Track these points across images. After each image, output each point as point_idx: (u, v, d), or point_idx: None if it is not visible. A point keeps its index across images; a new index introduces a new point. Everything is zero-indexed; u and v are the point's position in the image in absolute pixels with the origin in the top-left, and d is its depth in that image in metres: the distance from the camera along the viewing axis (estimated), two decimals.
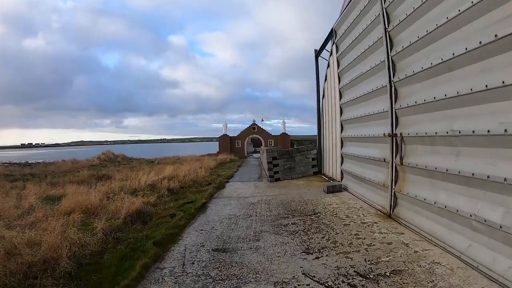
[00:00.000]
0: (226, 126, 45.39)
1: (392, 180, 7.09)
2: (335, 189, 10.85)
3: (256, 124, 45.79)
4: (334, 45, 12.29)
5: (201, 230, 7.00)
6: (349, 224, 6.95)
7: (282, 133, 45.40)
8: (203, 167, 20.80)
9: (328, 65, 14.22)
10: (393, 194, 7.10)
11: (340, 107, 11.79)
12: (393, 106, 6.98)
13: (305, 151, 15.41)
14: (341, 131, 11.74)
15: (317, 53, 16.20)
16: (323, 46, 15.24)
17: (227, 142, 44.51)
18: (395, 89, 6.94)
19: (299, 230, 6.71)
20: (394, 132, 6.97)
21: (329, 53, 14.05)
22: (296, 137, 52.35)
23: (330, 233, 6.36)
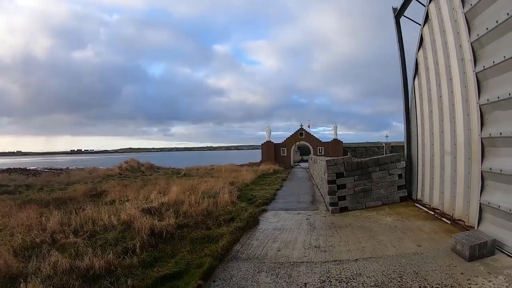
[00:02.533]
0: (269, 131, 40.14)
1: None
2: (482, 250, 5.09)
3: (304, 130, 40.06)
4: None
5: None
6: None
7: (334, 139, 39.29)
8: (234, 183, 15.70)
9: (427, 19, 8.53)
10: None
11: (477, 78, 5.99)
12: None
13: (388, 163, 9.66)
14: (481, 126, 5.94)
15: (398, 12, 10.52)
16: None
17: (271, 150, 39.23)
18: None
19: None
20: None
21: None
22: (348, 144, 45.67)
23: None
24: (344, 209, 9.18)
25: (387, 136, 41.53)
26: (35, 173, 32.76)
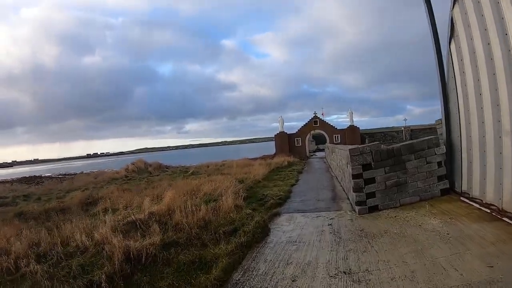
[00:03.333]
0: (282, 122, 38.37)
1: None
2: None
3: (318, 118, 38.10)
4: None
5: None
6: None
7: (350, 126, 37.24)
8: (244, 180, 14.15)
9: None
10: None
11: None
12: None
13: (425, 149, 7.86)
14: None
15: None
16: None
17: (284, 141, 37.49)
18: None
19: None
20: None
21: None
22: (364, 131, 43.34)
23: None
24: (374, 209, 7.48)
25: (405, 119, 39.17)
26: (38, 181, 31.96)
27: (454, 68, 8.01)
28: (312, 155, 38.45)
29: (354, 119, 37.41)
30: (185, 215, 7.25)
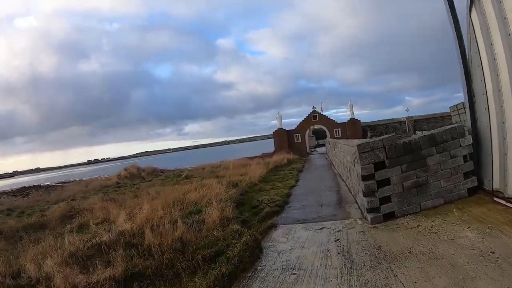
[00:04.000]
0: (280, 118, 37.03)
1: None
2: None
3: (317, 112, 36.71)
4: None
5: None
6: None
7: (351, 119, 35.87)
8: (239, 183, 12.87)
9: None
10: None
11: None
12: None
13: (448, 140, 6.50)
14: None
15: None
16: None
17: (283, 138, 36.16)
18: None
19: None
20: None
21: None
22: (364, 123, 41.81)
23: None
24: (389, 216, 6.13)
25: (408, 110, 37.61)
26: (28, 192, 30.53)
27: (478, 40, 6.62)
28: (312, 151, 37.12)
29: (354, 112, 36.05)
30: (158, 235, 5.91)
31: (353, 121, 35.34)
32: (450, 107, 25.90)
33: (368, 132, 33.38)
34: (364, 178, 6.17)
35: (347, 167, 9.80)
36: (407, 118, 36.68)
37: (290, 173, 16.60)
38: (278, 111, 37.11)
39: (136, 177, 27.23)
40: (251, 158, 32.69)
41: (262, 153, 38.34)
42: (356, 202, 7.89)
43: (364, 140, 7.83)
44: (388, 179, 6.15)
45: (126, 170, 29.34)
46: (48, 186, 39.03)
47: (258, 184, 13.24)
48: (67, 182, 42.74)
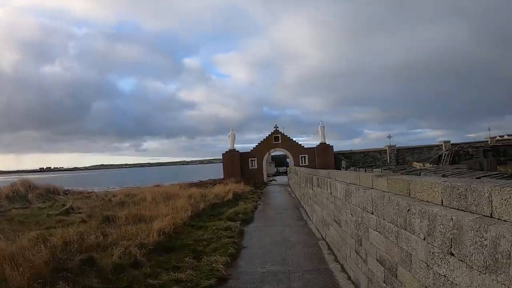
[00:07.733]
0: (233, 137, 29.85)
1: None
2: None
3: (280, 133, 29.98)
4: None
5: None
6: None
7: (321, 143, 29.53)
8: (133, 242, 5.26)
9: None
10: None
11: None
12: None
13: None
14: None
15: None
16: None
17: (235, 162, 28.90)
18: None
19: None
20: None
21: None
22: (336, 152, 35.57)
23: None
24: None
25: (390, 137, 31.93)
26: None
27: None
28: (271, 181, 30.27)
29: (315, 142, 29.91)
30: None
31: (324, 147, 28.90)
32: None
33: (343, 162, 27.13)
34: None
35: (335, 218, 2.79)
36: (389, 147, 30.90)
37: (231, 222, 9.41)
38: (231, 129, 29.70)
39: (20, 198, 19.01)
40: (191, 184, 25.35)
41: (210, 179, 30.97)
42: None
43: None
44: None
45: (12, 186, 20.92)
46: None
47: (153, 257, 5.85)
48: None
